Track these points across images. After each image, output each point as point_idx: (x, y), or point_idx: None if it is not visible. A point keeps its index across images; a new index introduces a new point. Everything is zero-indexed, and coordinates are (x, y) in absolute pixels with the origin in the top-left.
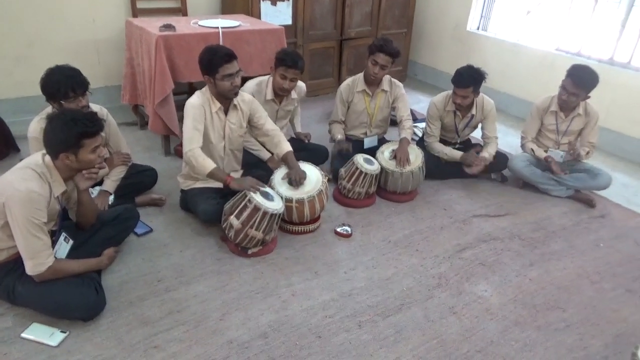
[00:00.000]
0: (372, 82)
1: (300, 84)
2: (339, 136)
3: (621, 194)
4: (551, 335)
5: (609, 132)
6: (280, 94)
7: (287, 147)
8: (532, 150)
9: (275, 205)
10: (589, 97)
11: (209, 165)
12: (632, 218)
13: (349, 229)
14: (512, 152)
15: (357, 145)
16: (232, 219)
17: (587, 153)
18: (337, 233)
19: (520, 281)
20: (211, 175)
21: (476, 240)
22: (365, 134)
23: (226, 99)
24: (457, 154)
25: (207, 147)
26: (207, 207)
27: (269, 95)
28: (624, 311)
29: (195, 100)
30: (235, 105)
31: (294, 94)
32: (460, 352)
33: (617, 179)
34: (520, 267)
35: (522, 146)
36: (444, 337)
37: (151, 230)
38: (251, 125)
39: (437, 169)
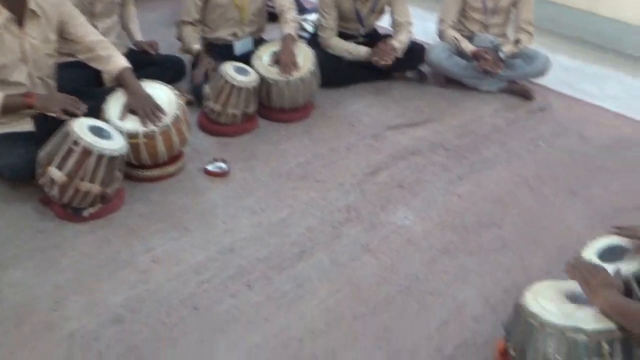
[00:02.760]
0: None
1: None
2: (196, 46)
3: (563, 80)
4: (486, 259)
5: (545, 4)
6: None
7: (121, 62)
8: (455, 39)
9: (114, 144)
10: None
11: None
12: (575, 108)
13: (224, 165)
14: (430, 42)
15: (226, 53)
16: (53, 170)
17: (520, 42)
18: (208, 173)
19: (447, 201)
20: (5, 108)
21: (391, 158)
22: (235, 35)
23: (17, 3)
24: (362, 51)
25: None
26: (14, 160)
27: None
28: (568, 218)
29: None
30: (33, 12)
31: None
32: (378, 297)
33: (558, 62)
34: (447, 183)
35: (441, 34)
36: (357, 283)
37: None
38: (66, 39)
39: (337, 73)
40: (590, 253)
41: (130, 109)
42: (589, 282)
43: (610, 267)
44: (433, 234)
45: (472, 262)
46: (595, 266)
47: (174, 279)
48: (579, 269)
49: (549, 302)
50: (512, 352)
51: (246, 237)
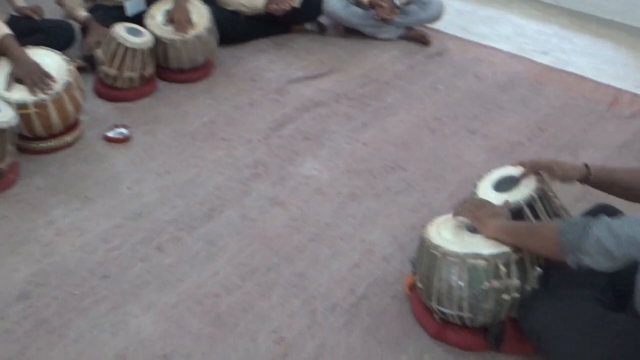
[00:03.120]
0: None
1: None
2: (82, 12)
3: (457, 24)
4: (392, 200)
5: None
6: None
7: (1, 29)
8: None
9: (2, 117)
10: None
11: None
12: (470, 49)
13: (125, 131)
14: None
15: (116, 15)
16: None
17: None
18: (108, 139)
19: (352, 148)
20: None
21: (296, 111)
22: None
23: None
24: (258, 2)
25: None
26: None
27: None
28: (467, 154)
29: None
30: None
31: None
32: (290, 246)
33: (452, 6)
34: (351, 131)
35: None
36: (268, 235)
37: None
38: None
39: (235, 29)
40: (486, 185)
41: (16, 78)
42: (478, 217)
43: (502, 197)
44: (340, 182)
45: (379, 204)
46: (480, 200)
47: (80, 249)
48: (466, 208)
49: (449, 234)
50: (419, 285)
51: (153, 200)
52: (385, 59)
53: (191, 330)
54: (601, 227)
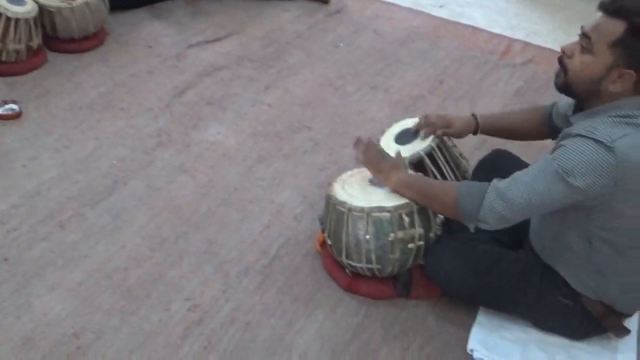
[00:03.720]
0: None
1: None
2: None
3: None
4: (300, 160)
5: None
6: None
7: None
8: None
9: None
10: None
11: None
12: (368, 6)
13: (15, 106)
14: None
15: None
16: None
17: None
18: None
19: (257, 110)
20: None
21: (197, 76)
22: None
23: None
24: None
25: None
26: None
27: None
28: (371, 110)
29: None
30: None
31: None
32: (199, 213)
33: None
34: (255, 94)
35: None
36: (176, 203)
37: None
38: None
39: None
40: (388, 138)
41: None
42: (380, 169)
43: (403, 149)
44: (247, 145)
45: (287, 165)
46: (380, 151)
47: None
48: (369, 159)
49: (354, 189)
50: (329, 241)
51: (52, 177)
52: (286, 18)
53: (101, 306)
54: (493, 195)
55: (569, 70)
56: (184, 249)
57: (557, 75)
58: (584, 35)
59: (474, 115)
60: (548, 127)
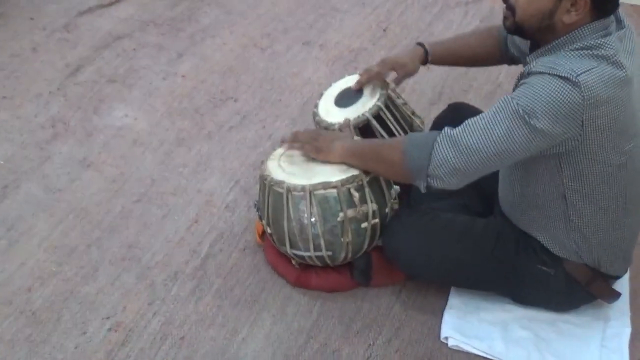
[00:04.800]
0: None
1: None
2: None
3: None
4: (227, 138)
5: None
6: None
7: None
8: None
9: None
10: None
11: None
12: None
13: None
14: None
15: None
16: None
17: None
18: None
19: (170, 84)
20: None
21: (93, 50)
22: None
23: None
24: None
25: None
26: None
27: None
28: (306, 70)
29: None
30: None
31: None
32: (112, 214)
33: None
34: (166, 64)
35: None
36: (83, 205)
37: None
38: None
39: None
40: (327, 101)
41: None
42: (319, 147)
43: (345, 113)
44: (162, 126)
45: (212, 146)
46: (315, 131)
47: None
48: (304, 142)
49: (292, 166)
50: (269, 230)
51: None
52: None
53: (2, 337)
54: (444, 143)
55: (516, 8)
56: (98, 259)
57: (505, 18)
58: None
59: (420, 44)
60: (504, 52)
